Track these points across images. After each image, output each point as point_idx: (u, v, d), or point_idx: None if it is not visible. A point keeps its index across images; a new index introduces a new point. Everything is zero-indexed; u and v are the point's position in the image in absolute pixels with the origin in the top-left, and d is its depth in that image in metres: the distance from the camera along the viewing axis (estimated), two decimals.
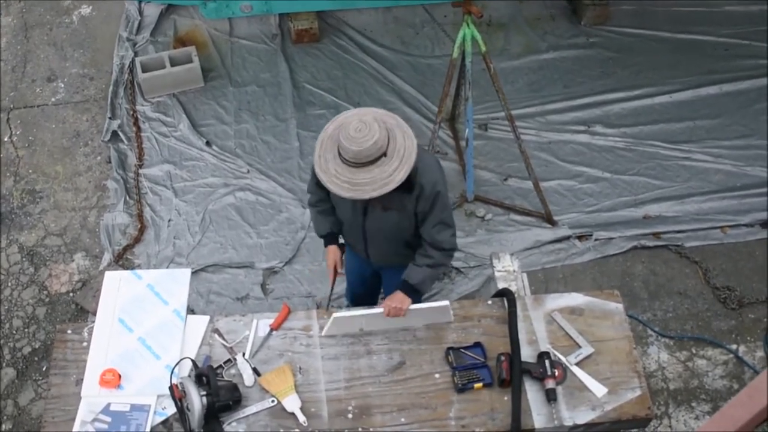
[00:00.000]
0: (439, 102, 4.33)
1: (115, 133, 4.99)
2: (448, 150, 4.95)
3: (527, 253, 4.50)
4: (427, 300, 3.66)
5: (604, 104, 5.17)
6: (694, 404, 4.06)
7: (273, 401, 2.98)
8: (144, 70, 5.06)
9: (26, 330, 4.27)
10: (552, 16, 5.68)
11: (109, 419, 2.94)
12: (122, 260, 4.47)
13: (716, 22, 5.57)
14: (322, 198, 3.19)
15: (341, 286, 4.26)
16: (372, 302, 3.23)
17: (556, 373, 3.02)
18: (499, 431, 2.94)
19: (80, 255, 4.53)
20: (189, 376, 2.95)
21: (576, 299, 3.28)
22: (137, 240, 4.56)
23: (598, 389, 3.03)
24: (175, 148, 4.94)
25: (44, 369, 4.11)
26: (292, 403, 2.96)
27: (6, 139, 5.02)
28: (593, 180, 4.83)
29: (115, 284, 3.30)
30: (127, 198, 4.72)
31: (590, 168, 4.88)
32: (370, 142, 2.69)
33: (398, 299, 3.09)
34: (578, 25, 5.61)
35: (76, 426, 2.92)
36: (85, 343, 3.13)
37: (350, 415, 2.97)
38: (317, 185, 2.97)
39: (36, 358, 4.18)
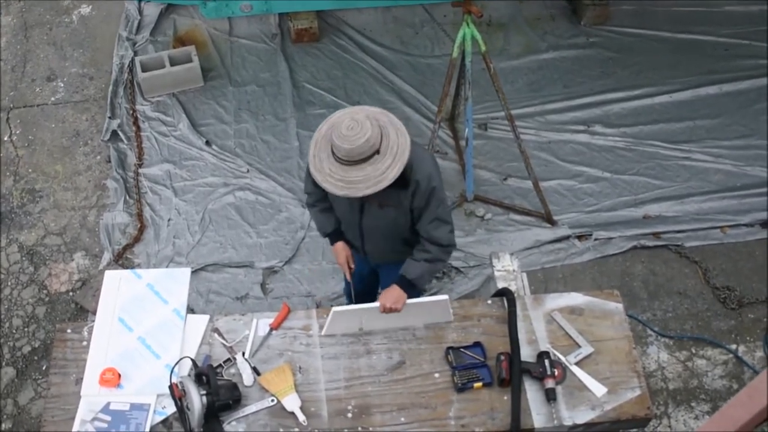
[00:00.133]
0: (439, 102, 4.33)
1: (114, 133, 4.99)
2: (447, 150, 4.95)
3: (527, 252, 4.50)
4: None
5: (604, 104, 5.17)
6: (693, 404, 4.06)
7: (273, 400, 2.98)
8: (144, 70, 5.06)
9: (26, 329, 4.27)
10: (552, 16, 5.68)
11: (108, 418, 2.94)
12: (122, 259, 4.47)
13: (716, 22, 5.58)
14: (320, 197, 3.20)
15: (339, 285, 4.27)
16: (371, 300, 3.23)
17: (556, 373, 3.02)
18: (499, 431, 2.94)
19: (80, 254, 4.53)
20: (189, 375, 2.95)
21: (576, 299, 3.28)
22: (137, 239, 4.56)
23: (598, 389, 3.03)
24: (175, 148, 4.94)
25: (44, 368, 4.11)
26: (291, 402, 2.96)
27: (6, 139, 5.02)
28: (593, 180, 4.83)
29: (115, 283, 3.30)
30: (127, 197, 4.72)
31: (590, 168, 4.88)
32: (362, 140, 2.70)
33: (395, 295, 3.09)
34: (578, 25, 5.61)
35: (76, 425, 2.92)
36: (84, 343, 3.13)
37: (350, 415, 2.97)
38: (314, 185, 2.97)
39: (36, 358, 4.18)
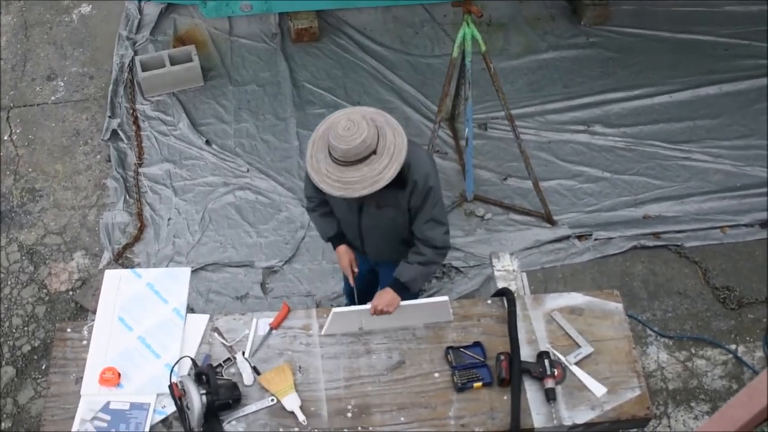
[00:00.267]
0: (439, 101, 4.33)
1: (114, 132, 4.99)
2: (447, 149, 4.95)
3: (527, 252, 4.50)
4: None
5: (603, 104, 5.17)
6: (693, 404, 4.06)
7: (272, 400, 2.98)
8: (144, 69, 5.06)
9: (26, 328, 4.27)
10: (552, 16, 5.68)
11: (108, 418, 2.94)
12: (122, 259, 4.47)
13: (716, 22, 5.58)
14: (321, 202, 3.19)
15: (339, 284, 4.27)
16: (370, 298, 3.24)
17: (556, 373, 3.02)
18: (499, 431, 2.94)
19: (80, 253, 4.53)
20: (188, 374, 2.95)
21: (575, 299, 3.28)
22: (137, 239, 4.56)
23: (598, 389, 3.03)
24: (175, 147, 4.94)
25: (44, 367, 4.11)
26: (291, 402, 2.96)
27: (6, 138, 5.02)
28: (593, 180, 4.83)
29: (115, 283, 3.30)
30: (127, 197, 4.72)
31: (590, 168, 4.88)
32: (359, 140, 2.70)
33: (387, 298, 3.09)
34: (578, 25, 5.61)
35: (76, 424, 2.92)
36: (84, 342, 3.13)
37: (350, 414, 2.97)
38: (315, 189, 2.97)
39: (35, 357, 4.18)
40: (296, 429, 2.93)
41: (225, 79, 5.27)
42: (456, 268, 4.45)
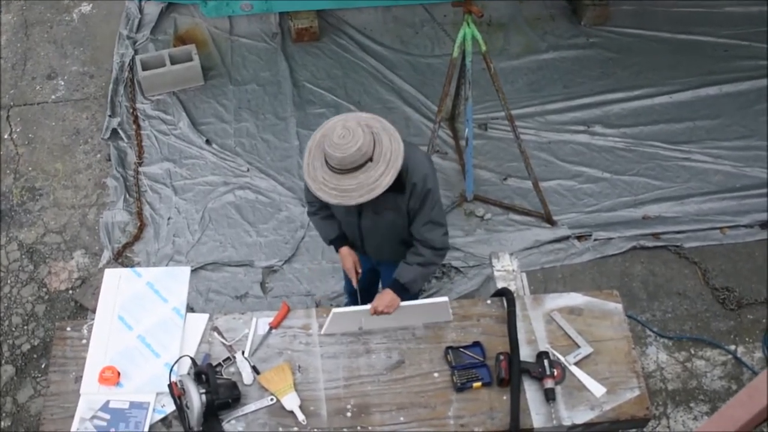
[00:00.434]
0: (439, 101, 4.33)
1: (114, 131, 4.99)
2: (447, 149, 4.95)
3: (526, 252, 4.50)
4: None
5: (603, 104, 5.18)
6: (692, 405, 4.06)
7: (272, 399, 2.98)
8: (144, 68, 5.06)
9: (25, 327, 4.27)
10: (552, 16, 5.68)
11: (108, 416, 2.94)
12: (122, 258, 4.47)
13: (716, 23, 5.58)
14: (321, 206, 3.19)
15: (339, 284, 4.27)
16: (371, 296, 3.24)
17: (555, 373, 3.02)
18: (498, 431, 2.94)
19: (80, 252, 4.53)
20: (188, 374, 2.95)
21: (575, 299, 3.28)
22: (137, 238, 4.56)
23: (597, 389, 3.03)
24: (175, 146, 4.94)
25: (43, 366, 4.11)
26: (291, 401, 2.96)
27: (6, 137, 5.02)
28: (593, 180, 4.83)
29: (115, 282, 3.30)
30: (127, 196, 4.72)
31: (590, 168, 4.88)
32: (354, 149, 2.70)
33: (387, 299, 3.09)
34: (578, 25, 5.61)
35: (75, 423, 2.92)
36: (84, 341, 3.13)
37: (349, 414, 2.98)
38: (314, 194, 2.97)
39: (35, 356, 4.18)
40: (295, 428, 2.93)
41: (225, 79, 5.27)
42: (456, 268, 4.45)
